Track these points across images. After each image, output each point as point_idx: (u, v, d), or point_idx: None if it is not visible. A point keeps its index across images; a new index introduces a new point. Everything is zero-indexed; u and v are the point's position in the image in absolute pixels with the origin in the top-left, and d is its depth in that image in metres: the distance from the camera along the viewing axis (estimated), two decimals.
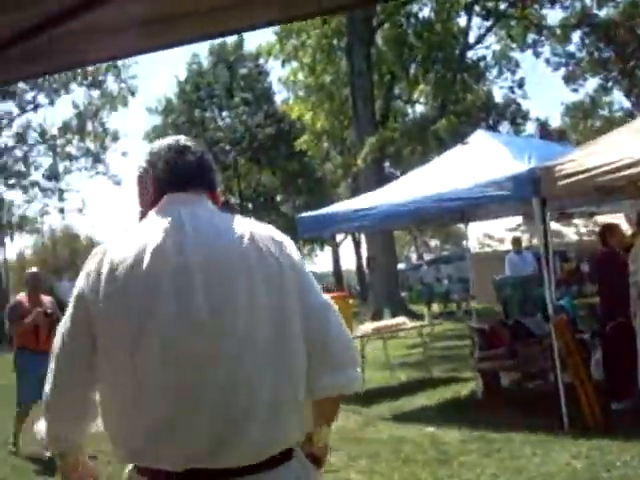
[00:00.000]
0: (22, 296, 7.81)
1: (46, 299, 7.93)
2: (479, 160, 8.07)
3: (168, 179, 1.95)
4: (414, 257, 61.21)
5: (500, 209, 9.58)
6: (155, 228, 1.82)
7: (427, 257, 41.24)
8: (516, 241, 13.35)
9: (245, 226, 1.89)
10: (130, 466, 1.89)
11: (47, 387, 1.89)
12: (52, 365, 1.88)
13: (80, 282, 1.83)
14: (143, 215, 1.97)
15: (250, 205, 40.62)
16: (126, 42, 1.43)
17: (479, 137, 9.07)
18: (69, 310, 1.85)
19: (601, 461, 5.36)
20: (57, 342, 1.87)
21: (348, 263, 52.12)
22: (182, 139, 2.04)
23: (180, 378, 1.71)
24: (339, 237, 44.47)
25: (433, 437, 6.65)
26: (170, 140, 2.04)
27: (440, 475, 5.45)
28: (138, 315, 1.72)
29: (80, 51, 1.47)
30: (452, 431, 6.75)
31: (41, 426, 1.99)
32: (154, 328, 1.70)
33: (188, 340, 1.71)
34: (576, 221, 17.09)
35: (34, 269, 8.15)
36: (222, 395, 1.72)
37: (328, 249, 48.84)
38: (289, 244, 1.96)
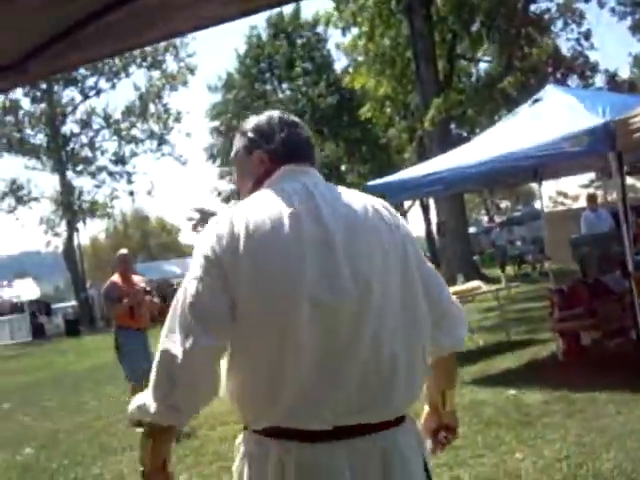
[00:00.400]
0: (116, 277, 8.04)
1: (137, 278, 8.24)
2: (551, 116, 7.85)
3: (284, 152, 1.98)
4: (485, 220, 60.40)
5: (573, 165, 9.34)
6: (285, 196, 1.85)
7: (498, 219, 40.56)
8: (591, 198, 13.01)
9: (363, 198, 1.98)
10: (241, 436, 1.93)
11: (175, 349, 1.76)
12: (178, 330, 1.77)
13: (209, 245, 1.80)
14: (255, 186, 2.00)
15: None
16: (204, 12, 1.43)
17: (549, 92, 8.80)
18: (196, 274, 1.80)
19: None
20: (185, 307, 1.78)
21: (417, 230, 51.82)
22: (288, 114, 2.09)
23: (329, 339, 1.77)
24: (406, 204, 44.18)
25: (515, 400, 6.59)
26: (278, 114, 2.07)
27: (524, 437, 5.41)
28: (284, 279, 1.75)
29: (159, 25, 1.47)
30: (534, 393, 6.68)
31: (140, 398, 1.88)
32: (303, 292, 1.74)
33: (335, 305, 1.76)
34: None
35: (123, 251, 8.34)
36: (368, 355, 1.80)
37: None
38: (399, 215, 2.05)
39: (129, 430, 7.97)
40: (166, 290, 29.41)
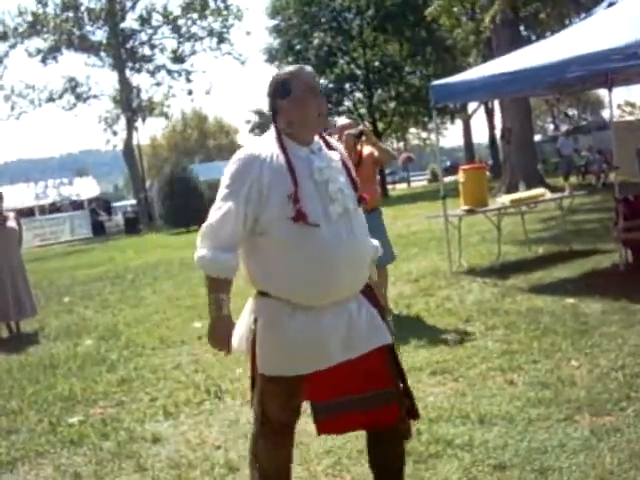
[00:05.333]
0: None
1: None
2: (625, 19, 7.46)
3: None
4: (550, 128, 58.76)
5: None
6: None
7: (564, 128, 39.37)
8: None
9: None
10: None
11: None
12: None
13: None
14: None
15: (376, 77, 39.45)
16: None
17: None
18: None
19: None
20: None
21: (480, 137, 50.75)
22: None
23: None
24: (470, 108, 43.08)
25: (573, 308, 6.49)
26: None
27: (581, 345, 5.33)
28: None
29: None
30: (593, 302, 6.56)
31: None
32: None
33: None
34: None
35: None
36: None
37: (459, 122, 47.45)
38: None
39: (186, 324, 8.19)
40: None
